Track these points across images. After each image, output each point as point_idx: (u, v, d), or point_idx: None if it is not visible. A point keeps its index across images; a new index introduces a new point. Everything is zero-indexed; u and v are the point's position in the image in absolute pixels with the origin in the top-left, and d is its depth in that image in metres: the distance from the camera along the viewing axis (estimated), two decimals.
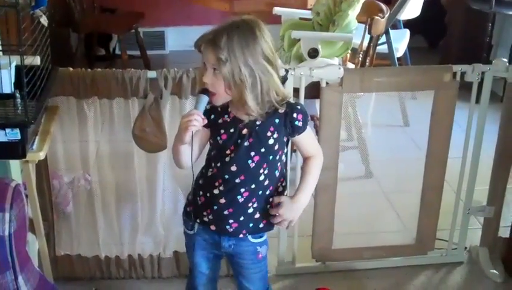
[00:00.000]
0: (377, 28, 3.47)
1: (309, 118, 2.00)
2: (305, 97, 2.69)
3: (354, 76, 2.66)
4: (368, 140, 3.61)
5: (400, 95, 4.15)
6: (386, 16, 3.61)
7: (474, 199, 2.95)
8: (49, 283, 2.46)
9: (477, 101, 2.78)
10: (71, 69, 2.51)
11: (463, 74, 2.71)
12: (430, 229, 2.93)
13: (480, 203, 2.95)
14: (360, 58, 3.60)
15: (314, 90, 2.73)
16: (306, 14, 4.01)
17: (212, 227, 2.04)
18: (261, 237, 2.10)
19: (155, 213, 2.80)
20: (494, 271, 2.93)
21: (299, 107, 1.97)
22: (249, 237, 2.07)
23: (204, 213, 2.03)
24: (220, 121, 1.96)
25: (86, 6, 5.03)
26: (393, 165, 3.78)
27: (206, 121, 1.91)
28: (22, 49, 1.92)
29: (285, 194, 2.09)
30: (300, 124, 1.97)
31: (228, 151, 1.95)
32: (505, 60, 2.75)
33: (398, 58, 4.42)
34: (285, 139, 2.00)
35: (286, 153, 2.07)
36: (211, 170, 2.01)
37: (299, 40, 3.56)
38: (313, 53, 3.44)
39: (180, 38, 5.71)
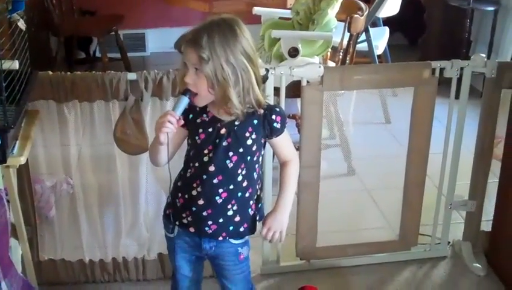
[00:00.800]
0: (356, 26, 3.48)
1: (287, 120, 2.02)
2: (287, 96, 2.70)
3: (334, 74, 2.67)
4: (350, 138, 3.63)
5: (380, 93, 4.18)
6: (365, 13, 3.62)
7: (456, 193, 2.97)
8: (33, 288, 2.46)
9: (457, 96, 2.80)
10: (50, 72, 2.49)
11: (442, 70, 2.73)
12: (413, 224, 2.95)
13: (462, 198, 2.97)
14: (341, 57, 3.62)
15: (295, 89, 2.74)
16: (286, 13, 4.01)
17: (192, 229, 2.03)
18: (241, 238, 2.09)
19: (138, 215, 2.79)
20: (477, 265, 2.95)
21: (277, 109, 1.98)
22: (230, 239, 2.06)
23: (184, 215, 2.03)
24: (199, 120, 1.96)
25: (64, 9, 4.99)
26: (375, 162, 3.81)
27: (182, 122, 1.90)
28: (0, 53, 1.91)
29: (260, 196, 2.09)
30: (278, 125, 1.97)
31: (206, 151, 1.95)
32: (483, 55, 2.77)
33: (378, 56, 4.44)
34: (262, 141, 2.00)
35: (263, 155, 2.07)
36: (189, 170, 2.00)
37: (279, 39, 3.57)
38: (294, 52, 3.45)
39: (160, 40, 5.70)
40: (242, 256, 2.12)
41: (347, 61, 3.58)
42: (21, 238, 2.46)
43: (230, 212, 2.01)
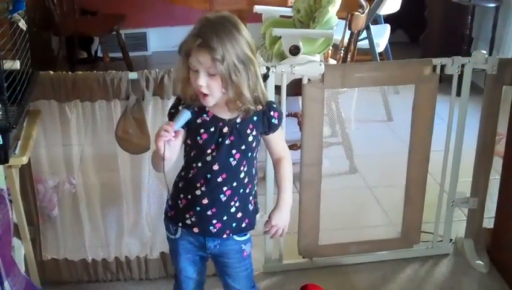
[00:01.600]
0: (357, 23, 3.48)
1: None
2: (288, 95, 2.70)
3: (335, 72, 2.67)
4: (351, 135, 3.63)
5: (382, 90, 4.17)
6: (366, 11, 3.62)
7: (458, 190, 2.97)
8: (35, 287, 2.46)
9: (459, 93, 2.80)
10: (52, 72, 2.49)
11: (443, 67, 2.73)
12: (415, 222, 2.95)
13: (464, 195, 2.97)
14: (342, 54, 3.62)
15: (296, 87, 2.74)
16: (286, 11, 4.02)
17: (195, 229, 2.04)
18: (245, 235, 2.12)
19: (141, 215, 2.80)
20: (480, 262, 2.95)
21: (275, 105, 2.01)
22: (234, 236, 2.08)
23: (187, 216, 2.03)
24: (199, 120, 1.95)
25: (66, 9, 5.00)
26: (377, 160, 3.81)
27: (180, 135, 1.90)
28: (1, 53, 1.91)
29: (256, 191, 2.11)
30: (276, 121, 2.00)
31: (209, 151, 1.95)
32: (484, 52, 2.77)
33: (380, 54, 4.44)
34: (259, 137, 2.02)
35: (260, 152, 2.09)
36: (191, 171, 2.00)
37: (280, 37, 3.57)
38: (295, 50, 3.45)
39: (162, 39, 5.70)
40: (245, 253, 2.13)
41: (348, 59, 3.58)
42: (24, 238, 2.47)
43: (233, 209, 2.02)
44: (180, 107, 1.95)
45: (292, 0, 4.02)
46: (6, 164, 2.16)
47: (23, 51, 2.22)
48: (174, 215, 2.08)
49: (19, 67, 2.23)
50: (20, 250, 2.50)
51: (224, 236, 2.05)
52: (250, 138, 1.97)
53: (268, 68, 2.56)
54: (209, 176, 1.97)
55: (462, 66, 2.74)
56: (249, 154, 1.99)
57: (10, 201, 2.27)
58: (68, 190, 2.78)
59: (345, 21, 3.58)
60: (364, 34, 4.18)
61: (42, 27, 4.88)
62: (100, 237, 2.82)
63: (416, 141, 2.82)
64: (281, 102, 2.67)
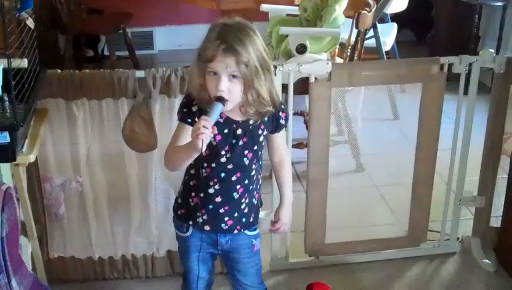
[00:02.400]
0: (364, 22, 3.48)
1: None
2: (295, 93, 2.69)
3: (342, 70, 2.67)
4: (358, 134, 3.62)
5: (388, 89, 4.17)
6: (373, 10, 3.62)
7: (465, 189, 2.96)
8: (42, 285, 2.46)
9: (466, 92, 2.80)
10: (59, 71, 2.49)
11: (450, 65, 2.72)
12: (422, 220, 2.95)
13: (471, 194, 2.97)
14: (348, 53, 3.61)
15: (303, 86, 2.74)
16: (293, 10, 4.01)
17: (207, 227, 2.06)
18: (255, 229, 2.15)
19: (148, 213, 2.80)
20: (487, 261, 2.94)
21: (283, 106, 2.04)
22: (244, 231, 2.10)
23: (199, 214, 2.04)
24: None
25: (72, 8, 5.00)
26: (384, 158, 3.80)
27: (216, 130, 1.85)
28: (9, 52, 1.92)
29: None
30: (283, 122, 2.04)
31: (223, 152, 1.97)
32: (492, 50, 2.76)
33: (387, 52, 4.43)
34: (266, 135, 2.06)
35: None
36: (204, 170, 2.00)
37: (287, 36, 3.57)
38: (301, 49, 3.44)
39: (168, 38, 5.71)
40: (256, 248, 2.16)
41: (355, 58, 3.57)
42: (31, 236, 2.47)
43: (243, 205, 2.06)
44: (194, 108, 1.95)
45: None
46: (13, 162, 2.16)
47: (31, 49, 2.22)
48: (184, 213, 2.08)
49: (26, 65, 2.24)
50: (28, 248, 2.50)
51: (235, 231, 2.08)
52: (261, 138, 2.01)
53: (275, 67, 2.55)
54: (223, 175, 1.99)
55: (470, 64, 2.73)
56: (259, 152, 2.03)
57: (17, 199, 2.27)
58: (75, 188, 2.78)
59: (352, 20, 3.57)
60: (371, 32, 4.17)
61: (49, 26, 4.89)
62: (107, 235, 2.83)
63: (423, 140, 2.82)
64: (288, 101, 2.67)
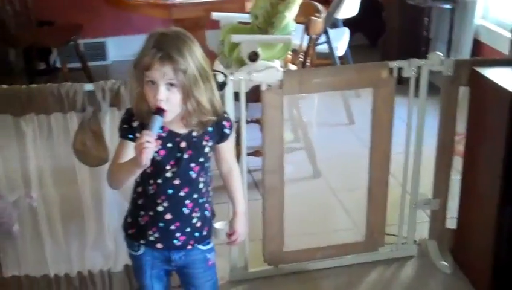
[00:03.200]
0: (315, 28, 3.49)
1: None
2: (249, 101, 2.69)
3: (293, 78, 2.67)
4: (314, 140, 3.63)
5: (343, 94, 4.19)
6: (323, 15, 3.63)
7: (420, 192, 2.99)
8: None
9: (417, 95, 2.82)
10: (5, 86, 2.45)
11: (400, 69, 2.75)
12: (378, 224, 2.96)
13: (426, 196, 2.99)
14: (301, 59, 3.62)
15: (257, 93, 2.73)
16: (244, 18, 4.00)
17: (159, 245, 2.02)
18: (208, 243, 2.11)
19: (102, 227, 2.75)
20: (444, 263, 2.97)
21: (226, 115, 2.02)
22: (198, 245, 2.07)
23: (150, 232, 2.01)
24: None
25: (22, 20, 4.92)
26: (340, 163, 3.81)
27: (159, 142, 1.86)
28: None
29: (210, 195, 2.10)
30: (228, 131, 2.02)
31: (168, 167, 1.94)
32: (440, 53, 2.78)
33: (340, 57, 4.46)
34: (213, 146, 2.02)
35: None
36: (150, 187, 1.97)
37: (239, 44, 3.56)
38: (254, 56, 3.44)
39: (121, 48, 5.64)
40: (210, 262, 2.13)
41: (308, 64, 3.58)
42: None
43: (194, 220, 2.02)
44: (134, 123, 1.92)
45: (250, 7, 4.00)
46: None
47: None
48: (135, 232, 2.05)
49: None
50: None
51: (189, 247, 2.04)
52: (207, 149, 1.98)
53: (225, 75, 2.54)
54: (170, 191, 1.96)
55: (419, 68, 2.76)
56: (205, 164, 2.00)
57: None
58: (28, 205, 2.73)
59: (303, 26, 3.58)
60: (323, 38, 4.19)
61: None
62: (62, 252, 2.77)
63: (377, 143, 2.83)
64: (241, 109, 2.66)
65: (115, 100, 2.48)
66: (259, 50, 3.44)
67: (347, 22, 4.76)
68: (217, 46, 3.89)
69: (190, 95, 1.84)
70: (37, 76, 5.13)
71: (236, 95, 2.64)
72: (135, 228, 2.05)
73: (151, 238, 2.01)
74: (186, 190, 1.97)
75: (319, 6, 3.70)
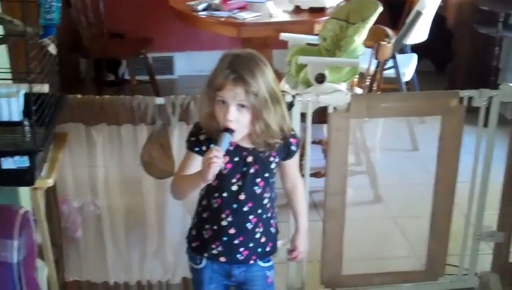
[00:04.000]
0: (384, 53, 3.48)
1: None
2: (313, 122, 2.69)
3: (360, 102, 2.66)
4: (376, 164, 3.60)
5: (408, 120, 4.15)
6: (393, 41, 3.62)
7: (484, 224, 2.93)
8: None
9: (486, 124, 2.78)
10: (79, 96, 2.52)
11: (470, 98, 2.71)
12: (440, 254, 2.91)
13: (490, 229, 2.93)
14: (368, 83, 3.61)
15: (321, 115, 2.74)
16: (313, 39, 4.01)
17: (222, 259, 2.05)
18: (269, 261, 2.13)
19: (164, 239, 2.79)
20: None
21: (293, 132, 2.04)
22: (259, 262, 2.09)
23: (213, 246, 2.04)
24: None
25: (94, 32, 5.06)
26: (402, 189, 3.78)
27: (227, 159, 1.89)
28: (30, 77, 1.94)
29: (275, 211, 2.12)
30: (295, 148, 2.04)
31: (234, 180, 1.97)
32: None
33: (406, 83, 4.42)
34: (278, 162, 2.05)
35: None
36: (214, 201, 2.00)
37: (306, 65, 3.57)
38: (320, 78, 3.45)
39: (188, 63, 5.74)
40: (269, 280, 2.15)
41: (374, 88, 3.57)
42: (47, 259, 2.48)
43: (257, 235, 2.04)
44: (201, 137, 1.96)
45: (319, 29, 4.02)
46: (32, 186, 2.17)
47: (52, 74, 2.24)
48: (199, 245, 2.08)
49: (47, 90, 2.26)
50: (43, 271, 2.50)
51: (251, 262, 2.07)
52: (273, 165, 2.01)
53: (293, 96, 2.56)
54: (235, 206, 1.98)
55: (490, 97, 2.72)
56: (270, 180, 2.02)
57: (34, 220, 2.28)
58: (92, 212, 2.79)
59: (371, 50, 3.58)
60: (390, 63, 4.17)
61: (71, 49, 4.95)
62: (123, 260, 2.82)
63: (442, 172, 2.79)
64: (306, 130, 2.67)
65: (184, 115, 2.53)
66: (326, 72, 3.45)
67: (415, 48, 4.72)
68: (283, 66, 3.91)
69: (259, 117, 1.87)
70: (106, 87, 5.26)
71: (302, 116, 2.65)
72: (199, 241, 2.07)
73: (215, 252, 2.04)
74: (250, 204, 1.99)
75: (389, 31, 3.68)
